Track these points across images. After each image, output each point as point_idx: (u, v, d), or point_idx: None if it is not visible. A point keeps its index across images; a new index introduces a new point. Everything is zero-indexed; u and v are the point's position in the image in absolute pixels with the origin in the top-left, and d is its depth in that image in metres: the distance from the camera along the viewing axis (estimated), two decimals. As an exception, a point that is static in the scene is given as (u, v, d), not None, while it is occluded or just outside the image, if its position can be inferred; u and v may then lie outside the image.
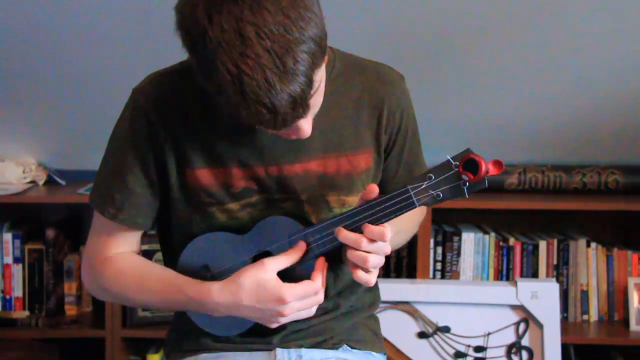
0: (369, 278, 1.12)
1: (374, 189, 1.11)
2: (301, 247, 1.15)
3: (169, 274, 1.20)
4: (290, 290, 1.11)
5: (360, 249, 1.09)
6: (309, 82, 0.96)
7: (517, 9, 1.92)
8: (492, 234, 2.26)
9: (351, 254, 1.11)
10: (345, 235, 1.11)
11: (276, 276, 1.12)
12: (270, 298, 1.11)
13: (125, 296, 1.24)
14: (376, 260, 1.11)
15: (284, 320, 1.14)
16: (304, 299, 1.12)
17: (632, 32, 1.97)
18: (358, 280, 1.12)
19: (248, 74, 0.93)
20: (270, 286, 1.11)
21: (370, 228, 1.10)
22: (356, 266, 1.11)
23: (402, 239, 1.36)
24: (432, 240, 2.24)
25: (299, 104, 0.97)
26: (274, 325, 1.15)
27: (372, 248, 1.10)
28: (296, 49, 0.94)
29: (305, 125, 1.04)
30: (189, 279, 1.17)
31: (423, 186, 1.08)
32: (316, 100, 1.04)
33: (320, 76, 1.01)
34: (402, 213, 1.10)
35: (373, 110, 1.23)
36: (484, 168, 1.03)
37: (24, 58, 2.08)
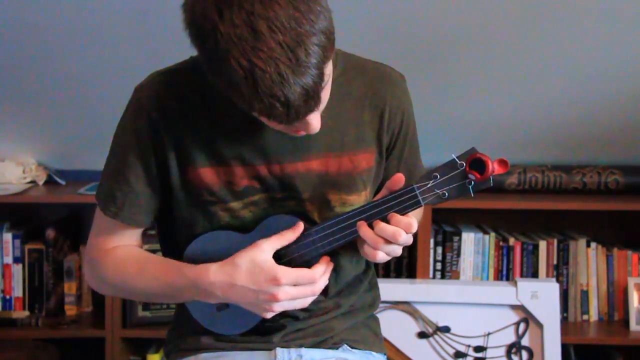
0: (376, 255, 1.11)
1: (400, 178, 1.11)
2: (298, 227, 1.16)
3: (169, 260, 1.21)
4: (285, 272, 1.11)
5: (398, 243, 1.10)
6: (321, 75, 0.97)
7: (518, 9, 1.92)
8: (492, 234, 2.26)
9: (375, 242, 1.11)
10: (365, 231, 1.10)
11: (272, 257, 1.12)
12: (264, 277, 1.11)
13: (125, 284, 1.24)
14: (396, 250, 1.12)
15: (277, 307, 1.13)
16: (298, 286, 1.12)
17: (632, 32, 1.97)
18: (364, 254, 1.12)
19: (261, 67, 0.93)
20: (265, 266, 1.11)
21: (397, 218, 1.09)
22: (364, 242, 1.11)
23: None
24: (432, 240, 2.24)
25: (311, 97, 0.98)
26: (268, 315, 1.15)
27: (404, 241, 1.10)
28: (308, 41, 0.94)
29: (315, 121, 1.05)
30: (189, 264, 1.18)
31: (428, 185, 1.08)
32: (325, 95, 1.04)
33: (330, 70, 1.02)
34: (408, 212, 1.10)
35: (375, 110, 1.23)
36: (490, 167, 1.04)
37: (23, 58, 2.08)
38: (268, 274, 1.11)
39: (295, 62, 0.94)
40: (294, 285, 1.12)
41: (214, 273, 1.13)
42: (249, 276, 1.11)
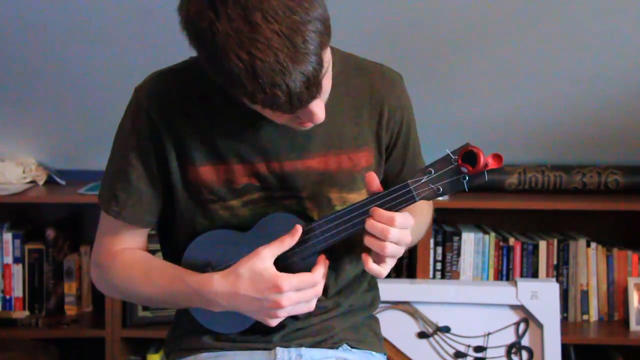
0: (381, 270, 1.12)
1: (373, 177, 1.11)
2: (296, 231, 1.15)
3: (173, 267, 1.21)
4: (287, 278, 1.11)
5: (387, 240, 1.09)
6: (320, 61, 0.98)
7: (518, 8, 1.92)
8: (492, 234, 2.26)
9: (370, 242, 1.10)
10: (372, 224, 1.09)
11: (272, 265, 1.12)
12: (266, 286, 1.11)
13: (131, 290, 1.24)
14: (394, 250, 1.11)
15: (281, 314, 1.13)
16: (301, 291, 1.12)
17: (631, 33, 1.98)
18: (369, 271, 1.11)
19: (260, 58, 0.94)
20: (266, 274, 1.11)
21: (379, 212, 1.09)
22: (369, 257, 1.11)
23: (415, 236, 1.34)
24: (432, 240, 2.24)
25: (312, 83, 0.98)
26: (273, 322, 1.15)
27: (396, 238, 1.09)
28: (304, 28, 0.95)
29: (319, 109, 1.05)
30: (192, 271, 1.18)
31: (423, 180, 1.09)
32: (326, 83, 1.05)
33: (328, 57, 1.02)
34: (403, 207, 1.10)
35: (373, 109, 1.24)
36: (482, 160, 1.04)
37: (23, 58, 2.08)
38: (269, 282, 1.11)
39: (294, 50, 0.94)
40: (297, 290, 1.12)
41: (217, 283, 1.13)
42: (252, 285, 1.12)
